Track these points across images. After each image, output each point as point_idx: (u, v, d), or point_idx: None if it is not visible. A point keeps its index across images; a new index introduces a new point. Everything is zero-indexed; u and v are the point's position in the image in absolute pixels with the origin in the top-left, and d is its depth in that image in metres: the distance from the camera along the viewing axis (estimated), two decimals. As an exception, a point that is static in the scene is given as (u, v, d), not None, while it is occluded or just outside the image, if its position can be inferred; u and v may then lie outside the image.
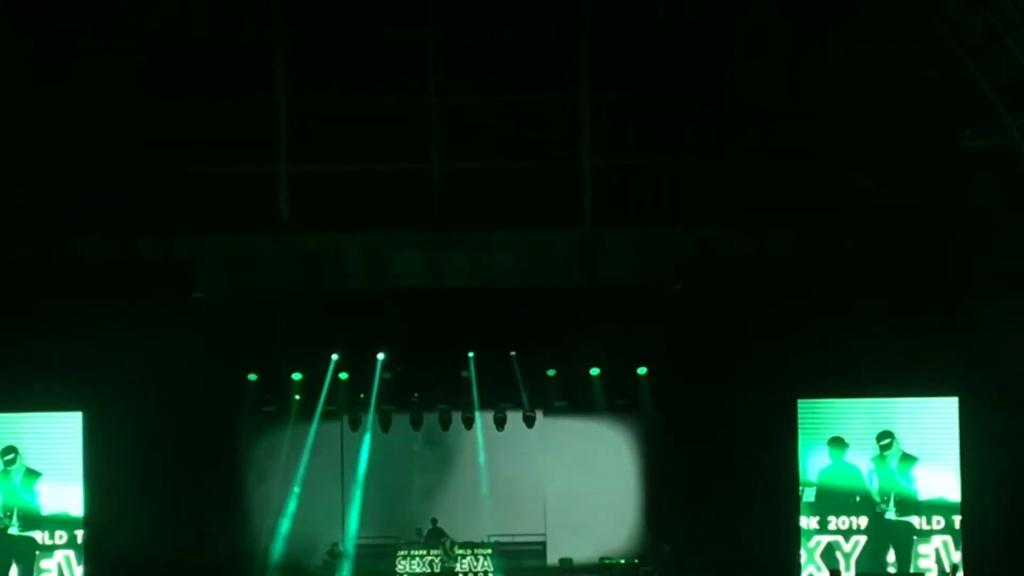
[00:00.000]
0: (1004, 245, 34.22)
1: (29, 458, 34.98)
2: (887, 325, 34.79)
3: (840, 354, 34.91)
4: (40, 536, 35.20)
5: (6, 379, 34.66)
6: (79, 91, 36.35)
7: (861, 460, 35.03)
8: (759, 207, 37.14)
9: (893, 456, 34.98)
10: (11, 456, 35.02)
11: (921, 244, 35.93)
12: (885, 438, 34.99)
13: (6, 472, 34.99)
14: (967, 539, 34.68)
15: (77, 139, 37.11)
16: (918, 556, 34.94)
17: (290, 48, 37.56)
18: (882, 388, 35.05)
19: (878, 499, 34.96)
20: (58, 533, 35.20)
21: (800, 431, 35.07)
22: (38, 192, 36.57)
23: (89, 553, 34.99)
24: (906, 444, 34.98)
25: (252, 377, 37.44)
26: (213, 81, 37.25)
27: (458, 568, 37.22)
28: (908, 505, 34.91)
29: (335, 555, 37.79)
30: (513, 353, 37.23)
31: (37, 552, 34.97)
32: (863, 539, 35.04)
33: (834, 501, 34.97)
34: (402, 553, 37.62)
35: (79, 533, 35.12)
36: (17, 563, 34.87)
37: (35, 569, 34.93)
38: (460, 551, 37.36)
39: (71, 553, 35.15)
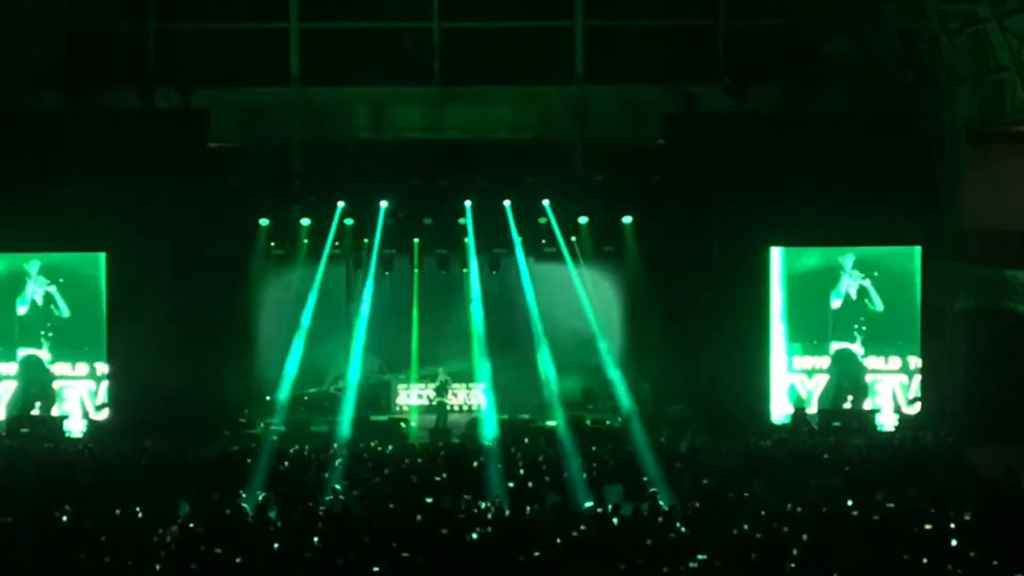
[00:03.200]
0: (967, 103, 35.32)
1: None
2: (856, 179, 36.07)
3: (811, 205, 36.09)
4: (62, 367, 36.69)
5: (35, 222, 35.77)
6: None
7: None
8: (742, 67, 38.46)
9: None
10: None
11: (890, 103, 37.30)
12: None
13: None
14: (926, 377, 36.32)
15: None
16: (874, 394, 36.54)
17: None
18: (850, 237, 36.41)
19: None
20: (80, 365, 36.70)
21: (771, 276, 36.54)
22: (65, 46, 37.98)
23: (111, 385, 36.44)
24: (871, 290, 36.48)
25: (263, 222, 38.61)
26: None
27: (452, 400, 38.82)
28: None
29: (339, 388, 39.15)
30: (507, 202, 38.34)
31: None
32: (824, 378, 36.70)
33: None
34: (403, 386, 39.42)
35: (99, 366, 36.56)
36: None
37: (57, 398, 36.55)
38: (454, 385, 38.98)
39: (92, 385, 36.62)
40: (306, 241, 39.01)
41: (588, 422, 36.55)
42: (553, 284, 39.50)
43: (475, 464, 29.26)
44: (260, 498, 26.28)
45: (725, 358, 36.26)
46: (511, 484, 27.20)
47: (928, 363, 36.35)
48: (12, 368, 36.71)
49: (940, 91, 36.33)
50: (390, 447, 33.28)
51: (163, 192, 36.55)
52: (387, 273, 39.47)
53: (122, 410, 36.22)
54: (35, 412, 36.34)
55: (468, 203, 38.36)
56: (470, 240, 38.73)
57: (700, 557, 20.79)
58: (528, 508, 24.24)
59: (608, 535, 22.29)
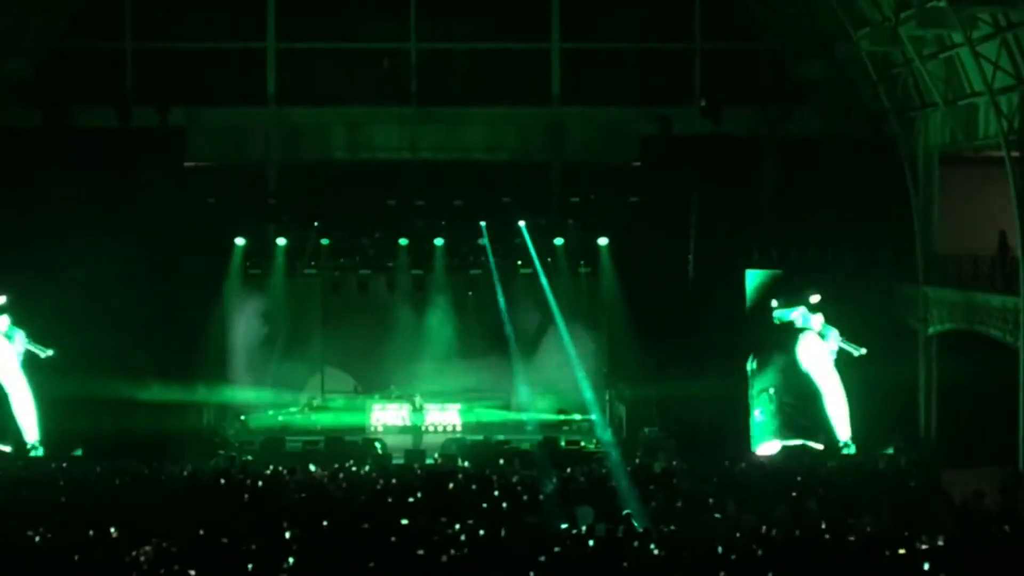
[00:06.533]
0: (940, 127, 35.53)
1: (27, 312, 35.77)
2: (830, 202, 36.07)
3: (785, 227, 36.36)
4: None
5: (10, 239, 35.56)
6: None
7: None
8: (717, 90, 38.64)
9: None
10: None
11: (864, 127, 37.41)
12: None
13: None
14: (899, 397, 35.86)
15: (76, 13, 38.80)
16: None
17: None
18: (823, 260, 36.16)
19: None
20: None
21: (747, 298, 36.24)
22: (42, 64, 37.86)
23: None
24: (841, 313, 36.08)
25: (239, 241, 38.65)
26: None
27: (427, 420, 38.72)
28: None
29: (313, 408, 39.48)
30: (483, 223, 38.41)
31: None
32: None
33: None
34: (378, 405, 39.32)
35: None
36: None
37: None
38: (429, 405, 38.84)
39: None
40: (282, 261, 39.01)
41: (562, 443, 36.53)
42: (528, 305, 39.56)
43: (450, 485, 29.22)
44: (234, 517, 26.21)
45: (700, 380, 36.01)
46: (486, 505, 27.18)
47: (900, 386, 36.14)
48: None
49: (913, 115, 36.55)
50: (365, 467, 33.25)
51: (139, 210, 36.31)
52: (363, 293, 39.46)
53: (98, 429, 35.76)
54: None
55: (444, 224, 38.45)
56: (445, 261, 38.80)
57: (675, 579, 20.83)
58: (502, 530, 24.22)
59: (583, 557, 22.28)
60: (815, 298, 35.86)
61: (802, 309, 35.97)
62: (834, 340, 35.89)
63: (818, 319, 36.00)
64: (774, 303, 36.02)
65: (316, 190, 38.93)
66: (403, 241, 38.99)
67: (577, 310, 39.76)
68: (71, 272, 35.48)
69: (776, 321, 36.04)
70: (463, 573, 21.27)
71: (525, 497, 28.16)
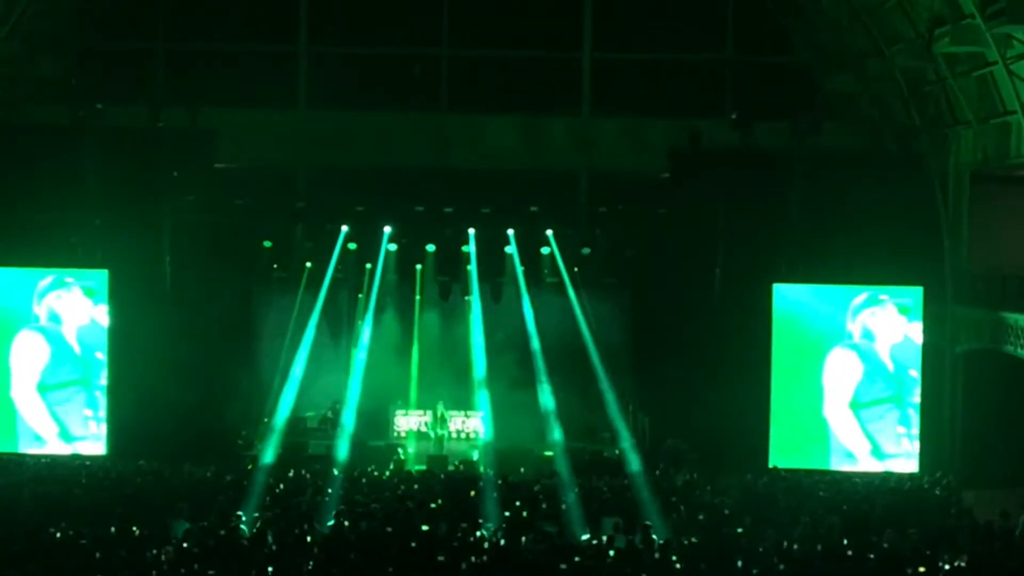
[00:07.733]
0: (972, 145, 35.37)
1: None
2: (860, 218, 35.98)
3: (814, 243, 36.12)
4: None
5: (38, 238, 35.61)
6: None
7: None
8: (747, 103, 38.52)
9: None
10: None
11: (895, 143, 37.35)
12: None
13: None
14: (925, 416, 35.49)
15: (109, 14, 38.98)
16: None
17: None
18: (852, 276, 35.90)
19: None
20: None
21: (774, 313, 35.91)
22: (73, 62, 38.14)
23: (110, 403, 35.60)
24: (873, 329, 35.73)
25: (267, 244, 38.64)
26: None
27: (449, 429, 38.58)
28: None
29: (336, 412, 39.07)
30: (511, 231, 38.45)
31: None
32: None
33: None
34: (400, 412, 39.28)
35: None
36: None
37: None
38: (452, 412, 38.69)
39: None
40: (309, 264, 39.00)
41: (586, 453, 36.42)
42: (555, 314, 39.29)
43: (472, 492, 29.20)
44: (256, 520, 26.26)
45: (725, 393, 35.88)
46: (507, 513, 27.16)
47: (927, 405, 35.71)
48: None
49: (945, 132, 36.40)
50: (387, 472, 33.23)
51: (167, 211, 36.65)
52: (389, 298, 39.42)
53: (120, 428, 35.78)
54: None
55: (471, 231, 38.45)
56: (472, 268, 38.72)
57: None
58: (523, 538, 24.20)
59: (603, 567, 22.25)
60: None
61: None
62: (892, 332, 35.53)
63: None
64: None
65: (344, 194, 38.85)
66: (430, 247, 38.96)
67: (603, 320, 39.48)
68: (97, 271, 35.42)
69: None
70: (483, 580, 21.27)
71: (545, 506, 28.16)
